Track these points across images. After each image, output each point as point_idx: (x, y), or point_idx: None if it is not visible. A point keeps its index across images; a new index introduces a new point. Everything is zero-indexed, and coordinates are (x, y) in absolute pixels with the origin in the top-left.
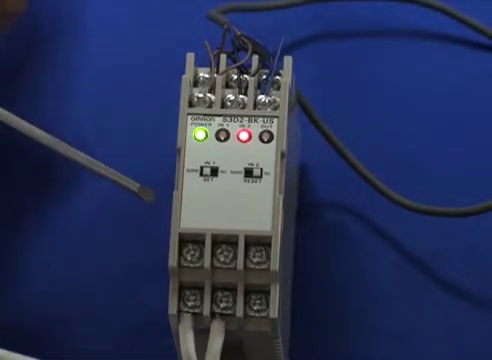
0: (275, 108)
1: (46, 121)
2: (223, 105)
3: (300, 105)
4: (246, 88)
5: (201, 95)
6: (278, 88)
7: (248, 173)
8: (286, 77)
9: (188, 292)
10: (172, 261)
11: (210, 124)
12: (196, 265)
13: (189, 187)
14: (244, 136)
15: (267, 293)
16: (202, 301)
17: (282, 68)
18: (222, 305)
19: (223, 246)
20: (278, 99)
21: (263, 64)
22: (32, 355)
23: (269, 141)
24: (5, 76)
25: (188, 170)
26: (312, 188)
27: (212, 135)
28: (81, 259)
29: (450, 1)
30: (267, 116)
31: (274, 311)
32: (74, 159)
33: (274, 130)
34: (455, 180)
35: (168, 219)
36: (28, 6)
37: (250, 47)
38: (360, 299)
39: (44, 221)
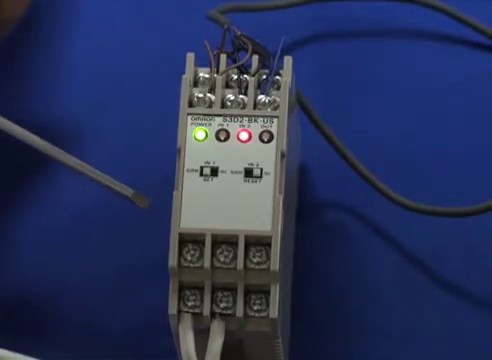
0: (275, 108)
1: (45, 121)
2: (223, 105)
3: (300, 105)
4: (246, 88)
5: (201, 95)
6: (278, 88)
7: (248, 173)
8: (286, 77)
9: (188, 292)
10: (172, 261)
11: (210, 124)
12: (196, 265)
13: (189, 187)
14: (244, 136)
15: (267, 293)
16: (202, 301)
17: (282, 68)
18: (222, 305)
19: (223, 246)
20: (278, 99)
21: (263, 64)
22: (32, 355)
23: (269, 141)
24: (2, 75)
25: (188, 170)
26: (312, 188)
27: (212, 135)
28: (81, 259)
29: (450, 1)
30: (267, 116)
31: (274, 311)
32: (68, 164)
33: (274, 130)
34: (455, 180)
35: (168, 219)
36: (26, 10)
37: (250, 47)
38: (360, 299)
39: (44, 221)
